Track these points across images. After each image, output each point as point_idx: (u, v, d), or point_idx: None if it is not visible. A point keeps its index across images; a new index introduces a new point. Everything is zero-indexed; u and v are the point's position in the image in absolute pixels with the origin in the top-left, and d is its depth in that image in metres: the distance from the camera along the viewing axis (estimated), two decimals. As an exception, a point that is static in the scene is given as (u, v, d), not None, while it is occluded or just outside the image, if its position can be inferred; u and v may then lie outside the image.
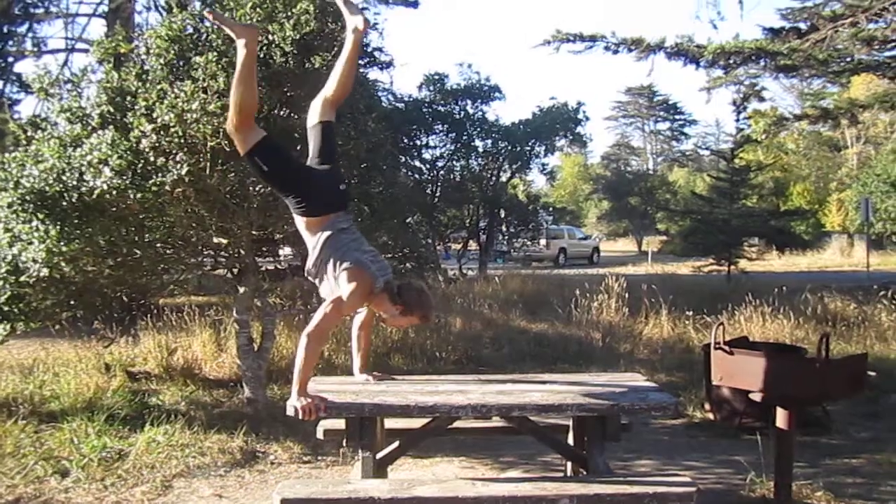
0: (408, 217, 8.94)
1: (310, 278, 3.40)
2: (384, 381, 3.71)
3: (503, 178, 17.25)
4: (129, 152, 4.77)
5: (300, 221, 3.36)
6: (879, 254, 26.96)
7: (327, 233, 3.27)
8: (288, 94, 5.36)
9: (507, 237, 18.59)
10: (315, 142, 3.42)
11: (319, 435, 3.96)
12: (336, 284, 3.23)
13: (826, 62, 9.72)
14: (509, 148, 16.01)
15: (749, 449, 4.89)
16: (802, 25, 10.21)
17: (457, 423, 3.81)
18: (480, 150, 16.10)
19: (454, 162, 16.04)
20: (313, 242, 3.31)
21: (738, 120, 17.62)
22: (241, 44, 3.26)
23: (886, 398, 6.53)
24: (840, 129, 27.84)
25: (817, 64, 9.79)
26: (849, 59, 10.26)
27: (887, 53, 10.41)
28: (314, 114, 3.46)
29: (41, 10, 13.77)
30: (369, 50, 7.07)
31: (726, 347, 4.31)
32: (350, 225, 3.41)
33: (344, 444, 4.05)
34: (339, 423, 3.61)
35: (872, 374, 4.17)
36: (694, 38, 10.32)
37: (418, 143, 15.47)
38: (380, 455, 3.51)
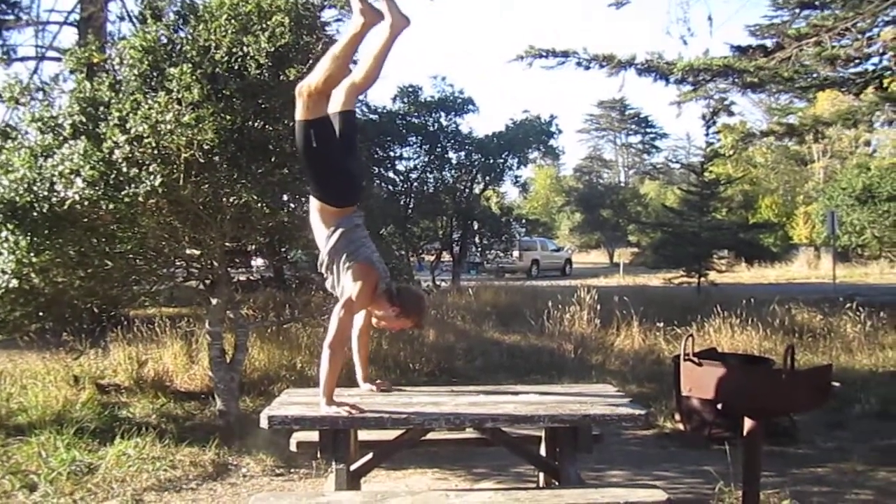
0: (381, 229, 8.96)
1: (321, 269, 3.44)
2: (389, 391, 3.72)
3: (476, 190, 17.34)
4: (101, 163, 4.74)
5: (318, 208, 3.36)
6: (845, 266, 27.48)
7: (343, 227, 3.32)
8: (262, 105, 5.36)
9: (480, 249, 18.66)
10: (338, 130, 3.40)
11: (292, 447, 3.95)
12: (343, 279, 3.30)
13: (792, 79, 9.95)
14: (482, 160, 16.11)
15: (718, 459, 4.95)
16: (769, 43, 10.45)
17: (430, 435, 3.83)
18: (454, 162, 16.18)
19: (428, 174, 16.10)
20: (327, 234, 3.33)
21: (707, 134, 17.92)
22: (360, 22, 3.22)
23: (851, 409, 6.65)
24: (807, 144, 28.39)
25: (783, 81, 10.02)
26: (814, 76, 10.49)
27: (852, 70, 10.68)
28: (337, 101, 3.43)
29: (11, 18, 13.56)
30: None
31: (695, 359, 4.37)
32: (362, 222, 3.46)
33: (317, 456, 4.05)
34: (313, 436, 3.61)
35: (837, 384, 4.25)
36: (664, 54, 10.50)
37: (392, 154, 15.51)
38: (353, 467, 3.52)
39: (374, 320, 3.52)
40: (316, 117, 3.23)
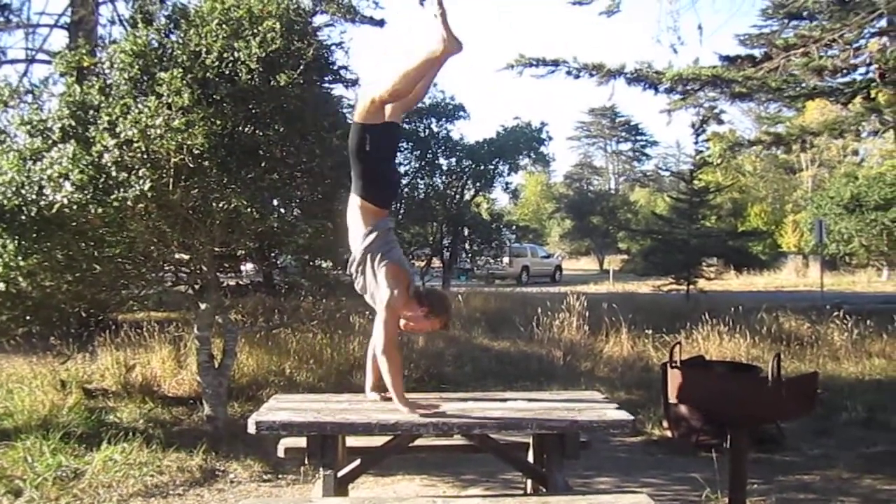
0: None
1: (350, 269, 3.50)
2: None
3: (467, 197, 17.34)
4: (90, 167, 4.74)
5: (359, 206, 3.43)
6: (833, 274, 27.64)
7: (378, 231, 3.41)
8: (253, 110, 5.37)
9: (470, 255, 18.64)
10: None
11: (280, 453, 3.95)
12: (376, 280, 3.37)
13: (780, 89, 10.02)
14: (473, 166, 16.11)
15: (705, 466, 4.97)
16: (757, 53, 10.53)
17: (418, 441, 3.83)
18: (445, 168, 16.17)
19: (418, 180, 16.07)
20: (363, 232, 3.41)
21: (696, 142, 18.03)
22: (441, 48, 3.27)
23: (837, 416, 6.69)
24: (794, 153, 28.62)
25: (771, 91, 10.09)
26: (802, 86, 10.56)
27: (840, 80, 10.76)
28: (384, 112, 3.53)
29: (1, 20, 13.51)
30: (335, 68, 7.11)
31: (683, 366, 4.40)
32: (393, 226, 3.57)
33: (305, 462, 4.04)
34: (301, 442, 3.61)
35: (822, 392, 4.29)
36: (653, 64, 10.53)
37: (383, 160, 15.50)
38: (341, 473, 3.51)
39: (402, 322, 3.52)
40: (374, 122, 3.35)
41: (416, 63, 3.30)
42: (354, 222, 3.46)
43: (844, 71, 9.84)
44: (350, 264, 3.49)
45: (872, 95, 10.52)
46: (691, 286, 16.55)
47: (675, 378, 4.39)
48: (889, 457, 5.61)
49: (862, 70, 10.18)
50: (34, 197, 4.77)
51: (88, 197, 4.73)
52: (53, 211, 4.76)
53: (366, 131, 3.34)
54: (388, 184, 3.56)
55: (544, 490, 3.60)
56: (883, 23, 9.80)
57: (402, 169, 15.77)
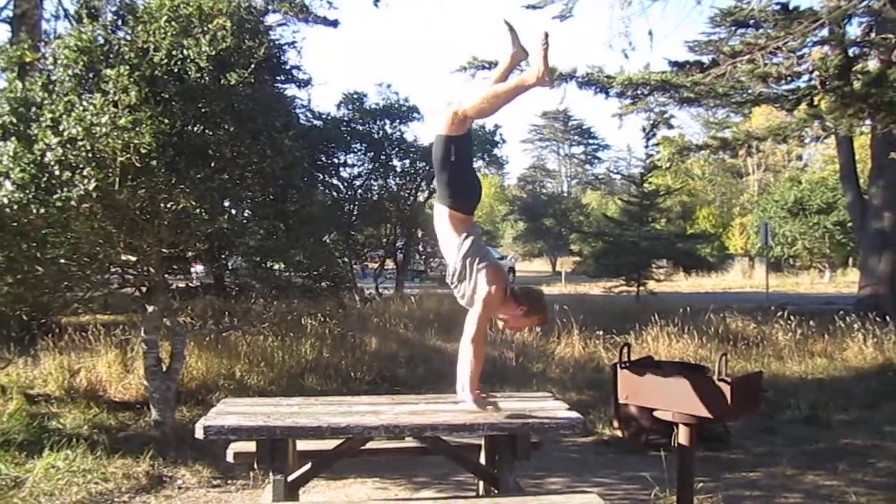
0: (324, 236, 8.88)
1: (451, 279, 3.55)
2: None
3: (421, 198, 17.34)
4: (32, 165, 4.60)
5: (447, 216, 3.50)
6: (778, 276, 28.40)
7: (472, 235, 3.49)
8: (202, 109, 5.28)
9: (424, 257, 18.64)
10: None
11: (229, 458, 3.88)
12: (475, 283, 3.43)
13: (727, 95, 10.24)
14: (427, 168, 16.11)
15: (655, 465, 5.05)
16: (705, 59, 10.72)
17: (370, 444, 3.81)
18: (398, 169, 16.12)
19: (372, 181, 16.03)
20: (458, 241, 3.47)
21: (647, 146, 18.31)
22: (534, 80, 3.27)
23: (782, 414, 6.87)
24: (741, 158, 29.31)
25: (719, 96, 10.31)
26: (749, 92, 10.79)
27: (784, 87, 11.03)
28: None
29: (-62, 13, 13.04)
30: (287, 67, 7.05)
31: (632, 367, 4.45)
32: (481, 231, 3.66)
33: (255, 466, 3.99)
34: (251, 446, 3.55)
35: (766, 391, 4.38)
36: (605, 68, 10.64)
37: (336, 161, 15.39)
38: (291, 477, 3.47)
39: (500, 323, 3.66)
40: (458, 134, 3.42)
41: (506, 88, 3.38)
42: (446, 233, 3.53)
43: (789, 78, 10.09)
44: (450, 276, 3.54)
45: (815, 102, 10.81)
46: (641, 287, 16.81)
47: (624, 378, 4.44)
48: (830, 453, 5.79)
49: (805, 78, 10.46)
50: (-28, 196, 4.61)
51: (30, 196, 4.60)
52: (-7, 211, 4.61)
53: (451, 142, 3.41)
54: (473, 191, 3.62)
55: (496, 491, 3.61)
56: (825, 32, 10.08)
57: (355, 170, 15.74)
